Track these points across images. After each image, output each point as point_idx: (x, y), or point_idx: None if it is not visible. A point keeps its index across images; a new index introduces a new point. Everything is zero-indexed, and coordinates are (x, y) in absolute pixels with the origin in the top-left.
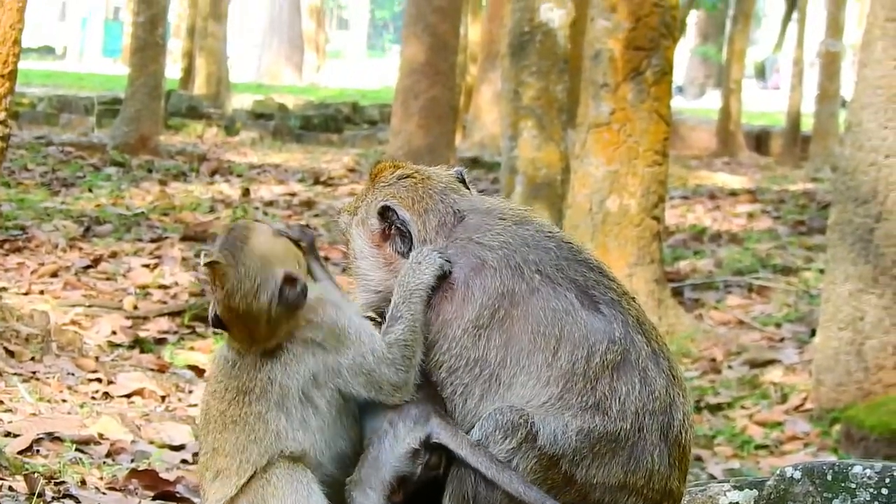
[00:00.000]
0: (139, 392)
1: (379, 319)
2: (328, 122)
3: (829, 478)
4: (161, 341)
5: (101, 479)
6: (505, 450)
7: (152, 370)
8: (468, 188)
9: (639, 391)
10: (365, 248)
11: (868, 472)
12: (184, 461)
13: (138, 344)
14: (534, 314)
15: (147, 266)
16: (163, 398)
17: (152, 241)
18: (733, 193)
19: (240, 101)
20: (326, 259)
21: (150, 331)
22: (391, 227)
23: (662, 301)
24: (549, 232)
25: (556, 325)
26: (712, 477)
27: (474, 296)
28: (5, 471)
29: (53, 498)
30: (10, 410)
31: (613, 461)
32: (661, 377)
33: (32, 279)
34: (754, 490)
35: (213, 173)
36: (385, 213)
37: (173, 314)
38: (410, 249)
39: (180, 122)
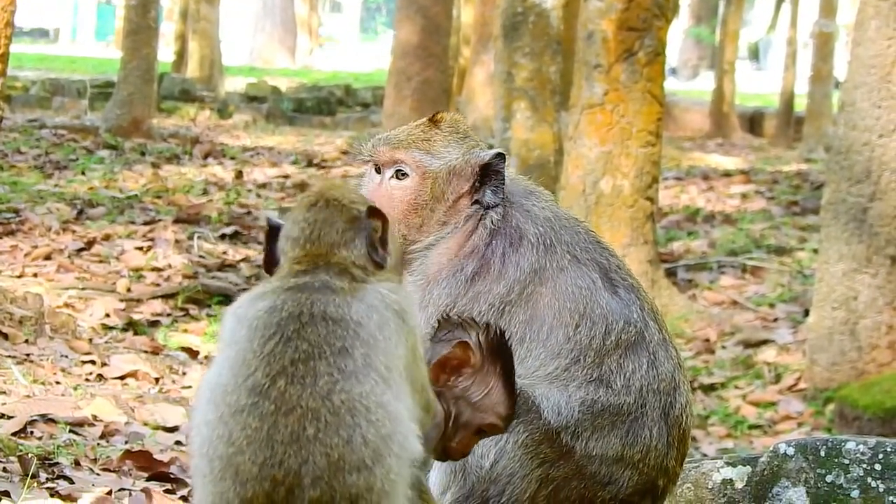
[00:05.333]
0: (133, 374)
1: None
2: (321, 104)
3: (823, 454)
4: (154, 323)
5: (95, 460)
6: None
7: (146, 352)
8: None
9: (645, 370)
10: (448, 194)
11: (861, 447)
12: (177, 442)
13: (132, 326)
14: (561, 291)
15: (140, 248)
16: (156, 380)
17: (145, 223)
18: (727, 174)
19: (233, 84)
20: None
21: (143, 313)
22: (483, 178)
23: (656, 282)
24: (576, 218)
25: (579, 301)
26: (705, 456)
27: (507, 272)
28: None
29: (47, 479)
30: (4, 392)
31: (612, 433)
32: (669, 362)
33: (26, 262)
34: (747, 467)
35: (206, 156)
36: (492, 163)
37: (167, 296)
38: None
39: (173, 105)
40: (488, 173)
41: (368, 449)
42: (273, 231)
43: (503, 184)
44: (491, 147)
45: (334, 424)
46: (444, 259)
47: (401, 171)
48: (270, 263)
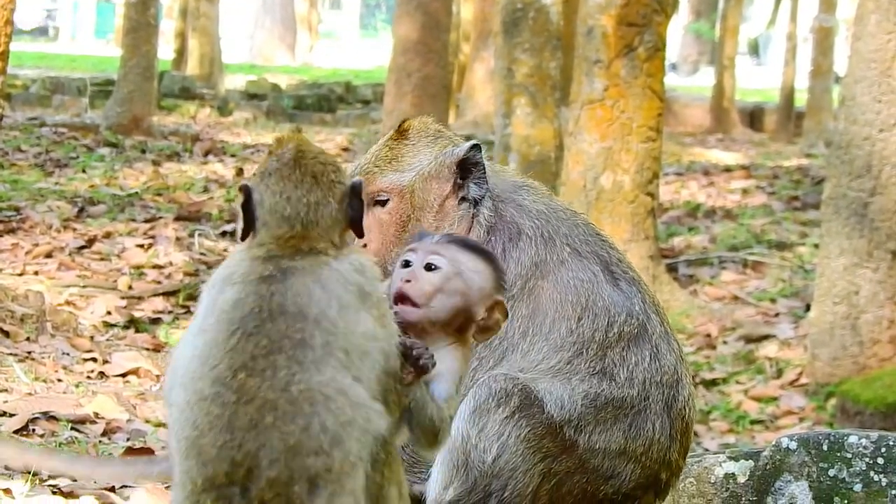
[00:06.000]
0: (134, 371)
1: None
2: (321, 101)
3: (825, 448)
4: (156, 321)
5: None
6: (498, 419)
7: (147, 350)
8: None
9: (648, 363)
10: (431, 200)
11: (864, 441)
12: None
13: (133, 324)
14: (562, 283)
15: (141, 246)
16: (158, 377)
17: (146, 221)
18: (727, 169)
19: (233, 82)
20: None
21: (144, 310)
22: (464, 174)
23: (657, 277)
24: (574, 211)
25: (581, 294)
26: (707, 451)
27: (509, 267)
28: None
29: (49, 476)
30: (6, 390)
31: (615, 427)
32: (672, 355)
33: (27, 260)
34: (750, 461)
35: (206, 153)
36: (468, 158)
37: (168, 294)
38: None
39: (173, 102)
40: (467, 167)
41: (327, 435)
42: (250, 195)
43: (484, 174)
44: (468, 138)
45: (291, 413)
46: None
47: (379, 199)
48: (248, 231)
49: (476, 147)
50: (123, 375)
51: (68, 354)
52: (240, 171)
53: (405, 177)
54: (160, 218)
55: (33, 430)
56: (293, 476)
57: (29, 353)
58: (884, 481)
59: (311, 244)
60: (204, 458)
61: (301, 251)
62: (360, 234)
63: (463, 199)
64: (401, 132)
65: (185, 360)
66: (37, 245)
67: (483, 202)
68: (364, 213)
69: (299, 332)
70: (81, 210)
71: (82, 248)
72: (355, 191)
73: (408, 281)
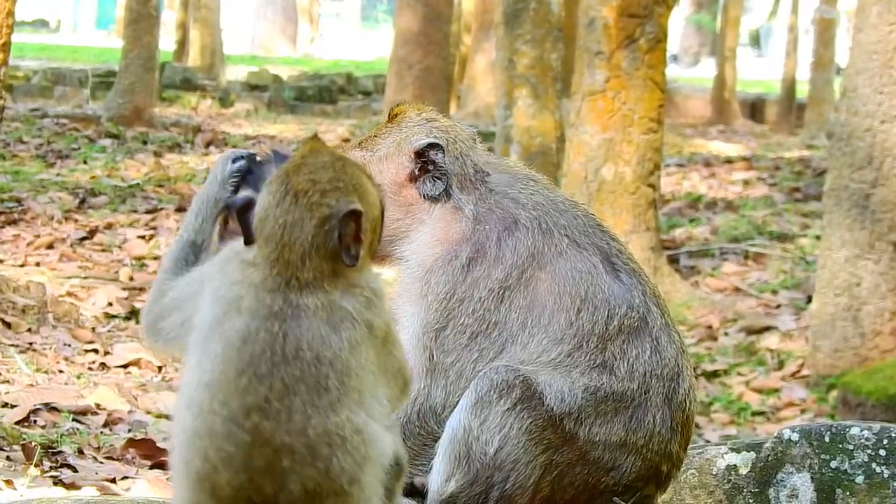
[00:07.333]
0: (136, 363)
1: None
2: (322, 93)
3: (827, 439)
4: None
5: (99, 448)
6: (500, 411)
7: None
8: None
9: (649, 356)
10: (385, 184)
11: (866, 433)
12: None
13: (134, 315)
14: (561, 275)
15: (142, 237)
16: (159, 368)
17: (147, 212)
18: (729, 161)
19: (234, 73)
20: None
21: (145, 302)
22: (423, 167)
23: (658, 269)
24: (574, 201)
25: (581, 286)
26: (709, 443)
27: (504, 256)
28: (3, 441)
29: (51, 467)
30: (8, 381)
31: (616, 419)
32: (672, 347)
33: (28, 251)
34: (752, 453)
35: (207, 145)
36: (424, 152)
37: None
38: (442, 193)
39: (175, 93)
40: (429, 162)
41: (346, 475)
42: (243, 209)
43: (443, 174)
44: (473, 136)
45: (310, 457)
46: (439, 249)
47: None
48: (249, 241)
49: (435, 146)
50: (125, 366)
51: (70, 345)
52: None
53: (364, 155)
54: (161, 209)
55: (35, 421)
56: None
57: (30, 344)
58: (886, 473)
59: (305, 277)
60: (219, 495)
61: (303, 283)
62: (348, 265)
63: (426, 195)
64: (391, 118)
65: (191, 385)
66: (38, 236)
67: (461, 198)
68: (358, 241)
69: (314, 376)
70: (83, 201)
71: (84, 239)
72: (348, 217)
73: None
